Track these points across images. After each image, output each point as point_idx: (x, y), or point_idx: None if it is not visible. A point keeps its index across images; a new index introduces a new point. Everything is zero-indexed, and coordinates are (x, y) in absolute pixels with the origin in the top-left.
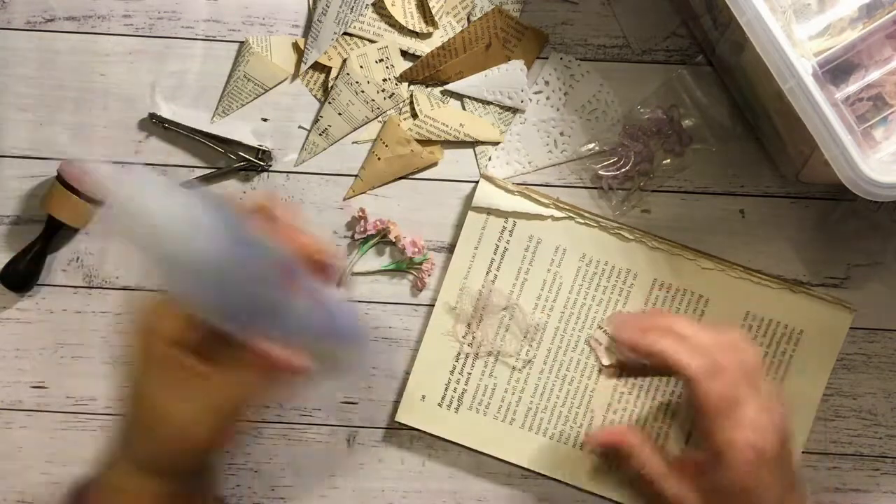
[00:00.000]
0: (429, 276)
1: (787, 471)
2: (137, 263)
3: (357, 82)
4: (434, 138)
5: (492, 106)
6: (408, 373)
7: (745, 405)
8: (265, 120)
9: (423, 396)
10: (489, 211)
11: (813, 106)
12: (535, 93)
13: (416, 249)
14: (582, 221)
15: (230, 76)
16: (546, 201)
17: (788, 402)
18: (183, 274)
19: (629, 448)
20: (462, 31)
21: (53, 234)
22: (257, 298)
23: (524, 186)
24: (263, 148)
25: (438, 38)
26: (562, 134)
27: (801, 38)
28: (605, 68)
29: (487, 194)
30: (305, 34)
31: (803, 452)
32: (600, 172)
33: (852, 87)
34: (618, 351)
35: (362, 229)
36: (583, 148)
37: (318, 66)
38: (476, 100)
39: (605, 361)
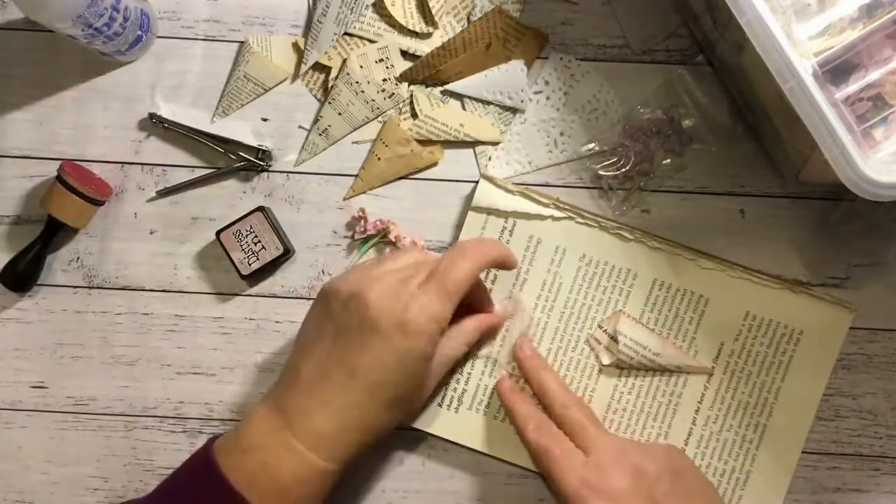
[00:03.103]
0: None
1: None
2: None
3: (357, 82)
4: (434, 138)
5: (492, 106)
6: None
7: (583, 461)
8: (265, 120)
9: None
10: (489, 211)
11: (813, 106)
12: (535, 93)
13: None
14: (582, 221)
15: (230, 76)
16: (546, 201)
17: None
18: None
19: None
20: (462, 31)
21: (53, 234)
22: None
23: (524, 186)
24: (263, 148)
25: (438, 38)
26: (562, 134)
27: (801, 38)
28: (605, 68)
29: (487, 194)
30: (305, 34)
31: (803, 452)
32: (600, 172)
33: (852, 87)
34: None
35: (362, 229)
36: (583, 148)
37: (318, 66)
38: (476, 100)
39: (606, 361)
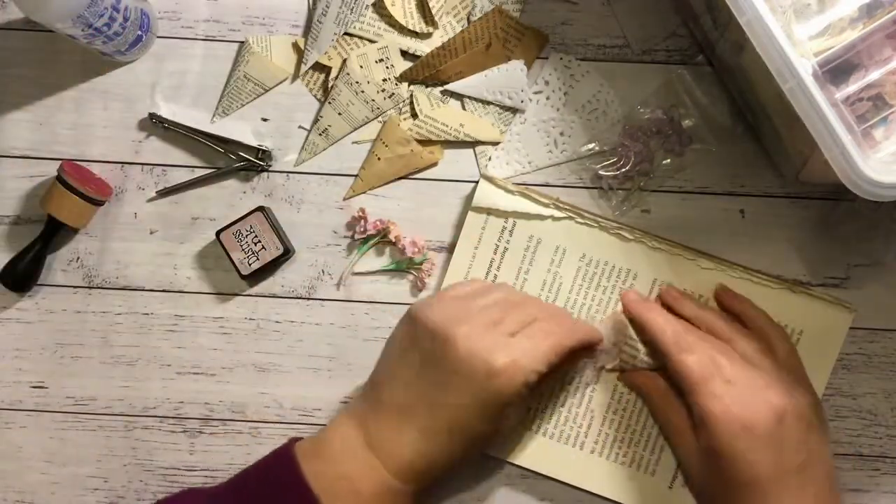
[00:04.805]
0: (429, 276)
1: (795, 452)
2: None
3: (357, 82)
4: (434, 138)
5: (492, 106)
6: None
7: (725, 379)
8: (265, 120)
9: None
10: (489, 211)
11: (813, 106)
12: (535, 93)
13: (416, 249)
14: (582, 221)
15: (230, 76)
16: (546, 201)
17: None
18: None
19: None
20: (462, 31)
21: (53, 234)
22: None
23: (524, 186)
24: (263, 148)
25: (438, 38)
26: (562, 134)
27: (801, 38)
28: (605, 68)
29: (487, 194)
30: (305, 34)
31: None
32: (600, 172)
33: (852, 87)
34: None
35: (362, 229)
36: (583, 148)
37: (318, 66)
38: (476, 100)
39: (607, 364)
